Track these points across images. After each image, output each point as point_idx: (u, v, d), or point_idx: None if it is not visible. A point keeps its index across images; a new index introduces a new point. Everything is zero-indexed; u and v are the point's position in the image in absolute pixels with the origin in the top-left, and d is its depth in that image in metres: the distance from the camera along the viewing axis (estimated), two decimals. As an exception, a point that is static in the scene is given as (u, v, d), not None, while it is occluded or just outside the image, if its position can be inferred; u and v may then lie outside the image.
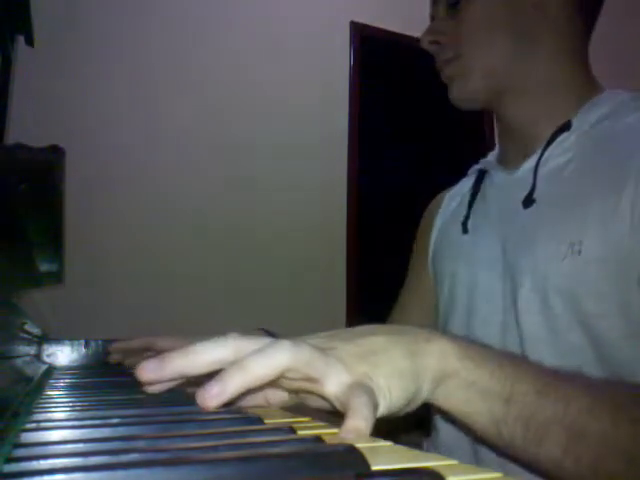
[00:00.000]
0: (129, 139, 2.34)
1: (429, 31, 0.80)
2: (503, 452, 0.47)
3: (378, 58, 2.88)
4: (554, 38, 0.74)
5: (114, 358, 0.96)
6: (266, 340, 0.41)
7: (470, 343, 0.47)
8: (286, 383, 0.41)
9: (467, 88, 0.77)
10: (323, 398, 0.41)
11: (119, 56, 2.35)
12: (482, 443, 0.54)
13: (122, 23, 2.36)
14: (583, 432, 0.43)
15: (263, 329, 0.89)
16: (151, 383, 0.42)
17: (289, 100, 2.63)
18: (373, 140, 2.84)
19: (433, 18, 0.82)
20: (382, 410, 0.40)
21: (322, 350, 0.40)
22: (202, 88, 2.48)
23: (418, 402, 0.44)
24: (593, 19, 0.76)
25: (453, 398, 0.45)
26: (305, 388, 0.41)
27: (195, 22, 2.49)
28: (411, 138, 2.92)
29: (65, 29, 2.22)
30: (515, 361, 0.47)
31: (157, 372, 0.40)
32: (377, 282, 2.71)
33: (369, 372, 0.40)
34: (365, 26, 2.81)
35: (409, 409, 0.43)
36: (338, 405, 0.40)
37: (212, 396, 0.38)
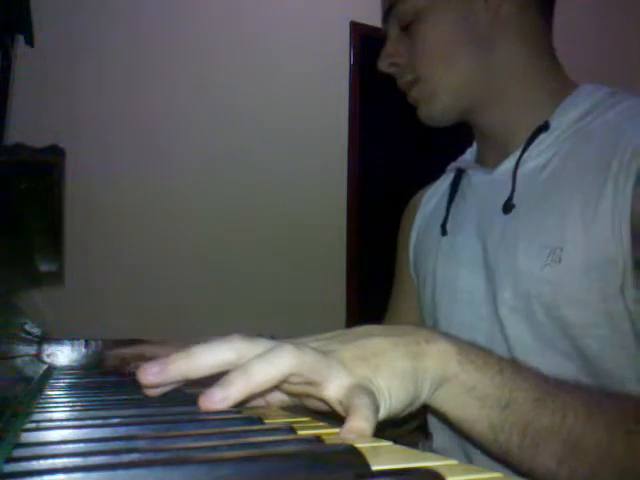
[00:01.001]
0: (129, 139, 2.34)
1: (385, 55, 0.77)
2: (499, 459, 0.47)
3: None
4: (516, 41, 0.71)
5: (110, 365, 0.96)
6: (269, 343, 0.40)
7: (471, 346, 0.46)
8: (287, 387, 0.41)
9: (434, 111, 0.75)
10: (323, 401, 0.41)
11: (119, 56, 2.35)
12: (479, 448, 0.53)
13: (122, 23, 2.36)
14: (579, 444, 0.43)
15: (261, 335, 0.88)
16: (153, 386, 0.41)
17: (289, 100, 2.63)
18: (373, 140, 2.84)
19: (386, 34, 0.78)
20: (383, 412, 0.40)
21: (323, 353, 0.40)
22: (202, 88, 2.48)
23: (418, 404, 0.43)
24: (551, 15, 0.74)
25: (451, 402, 0.45)
26: (306, 392, 0.41)
27: (195, 23, 2.49)
28: (411, 138, 2.92)
29: (65, 29, 2.22)
30: (516, 368, 0.46)
31: (159, 375, 0.39)
32: (377, 282, 2.71)
33: (369, 374, 0.40)
34: (365, 26, 2.81)
35: (409, 410, 0.43)
36: (339, 408, 0.39)
37: (215, 402, 0.38)
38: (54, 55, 2.16)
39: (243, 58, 2.56)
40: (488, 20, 0.71)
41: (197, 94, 2.48)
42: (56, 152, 0.53)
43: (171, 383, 0.41)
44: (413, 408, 0.43)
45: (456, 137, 0.82)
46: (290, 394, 0.44)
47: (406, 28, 0.74)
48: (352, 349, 0.42)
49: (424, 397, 0.43)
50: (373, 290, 2.76)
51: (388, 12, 0.76)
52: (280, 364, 0.38)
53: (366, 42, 2.83)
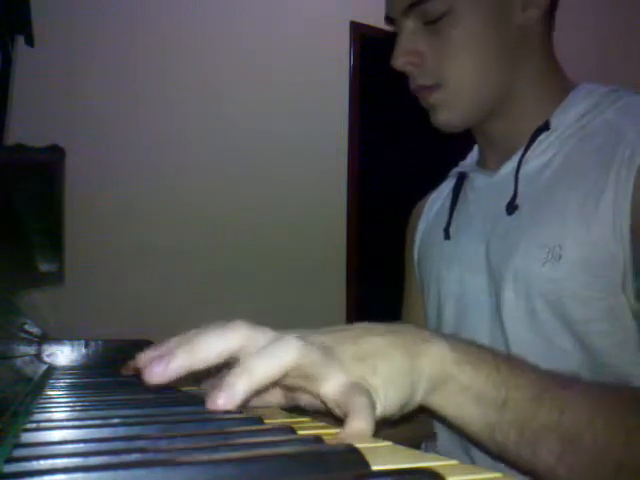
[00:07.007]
0: (129, 139, 2.34)
1: (402, 51, 0.70)
2: (497, 457, 0.47)
3: (378, 58, 2.88)
4: (536, 50, 0.71)
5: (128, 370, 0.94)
6: (271, 333, 0.40)
7: (468, 345, 0.46)
8: (284, 380, 0.41)
9: (454, 117, 0.72)
10: (317, 398, 0.41)
11: (119, 56, 2.35)
12: (477, 447, 0.53)
13: (121, 23, 2.36)
14: (577, 440, 0.43)
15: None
16: (158, 384, 0.41)
17: (289, 100, 2.63)
18: (373, 140, 2.84)
19: (392, 21, 0.72)
20: (377, 413, 0.40)
21: (323, 350, 0.40)
22: (202, 87, 2.48)
23: (413, 405, 0.43)
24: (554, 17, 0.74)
25: (448, 402, 0.45)
26: (302, 386, 0.41)
27: (195, 23, 2.48)
28: (411, 138, 2.92)
29: (65, 29, 2.22)
30: (512, 365, 0.46)
31: (164, 374, 0.39)
32: (377, 282, 2.71)
33: (366, 374, 0.40)
34: (365, 26, 2.81)
35: (405, 411, 0.43)
36: (333, 406, 0.39)
37: (220, 405, 0.38)
38: (54, 55, 2.16)
39: (243, 58, 2.56)
40: (518, 27, 0.69)
41: (196, 93, 2.47)
42: (56, 152, 0.53)
43: (176, 378, 0.41)
44: (409, 409, 0.43)
45: (456, 138, 0.82)
46: (286, 387, 0.44)
47: (431, 23, 0.68)
48: (351, 348, 0.42)
49: (418, 399, 0.43)
50: (373, 290, 2.76)
51: (410, 6, 0.69)
52: (283, 358, 0.38)
53: (366, 42, 2.83)
